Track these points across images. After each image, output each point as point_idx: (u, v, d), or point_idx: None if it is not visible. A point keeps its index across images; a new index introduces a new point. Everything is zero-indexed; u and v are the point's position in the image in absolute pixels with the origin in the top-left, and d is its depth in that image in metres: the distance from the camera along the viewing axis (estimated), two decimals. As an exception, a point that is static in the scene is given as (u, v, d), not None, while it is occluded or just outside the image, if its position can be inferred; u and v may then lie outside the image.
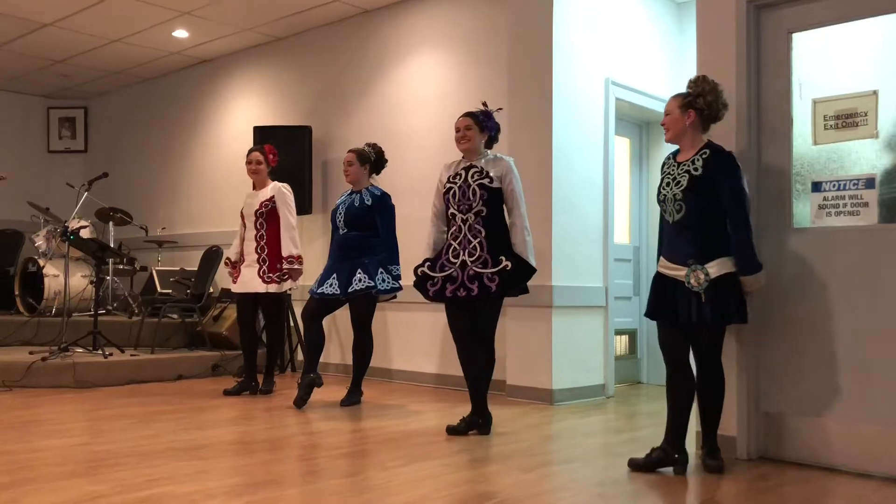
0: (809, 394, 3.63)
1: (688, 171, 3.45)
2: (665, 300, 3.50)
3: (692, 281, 3.39)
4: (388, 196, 5.22)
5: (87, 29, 7.53)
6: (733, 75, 3.85)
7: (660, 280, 3.57)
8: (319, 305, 5.12)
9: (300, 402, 5.03)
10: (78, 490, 3.00)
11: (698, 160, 3.46)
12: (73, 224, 7.28)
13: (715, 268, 3.39)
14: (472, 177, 4.25)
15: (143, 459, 3.54)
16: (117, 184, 8.84)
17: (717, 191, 3.41)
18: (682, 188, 3.44)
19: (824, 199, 3.65)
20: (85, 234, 7.37)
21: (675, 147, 3.63)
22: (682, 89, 3.62)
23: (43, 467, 3.40)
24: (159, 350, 6.80)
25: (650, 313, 3.61)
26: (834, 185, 3.63)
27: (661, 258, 3.60)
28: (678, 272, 3.45)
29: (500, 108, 4.73)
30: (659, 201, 3.59)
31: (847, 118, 3.59)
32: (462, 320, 4.25)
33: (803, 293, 3.67)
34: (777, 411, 3.74)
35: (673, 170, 3.54)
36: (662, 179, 3.58)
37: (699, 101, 3.49)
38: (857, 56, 3.66)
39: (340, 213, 5.18)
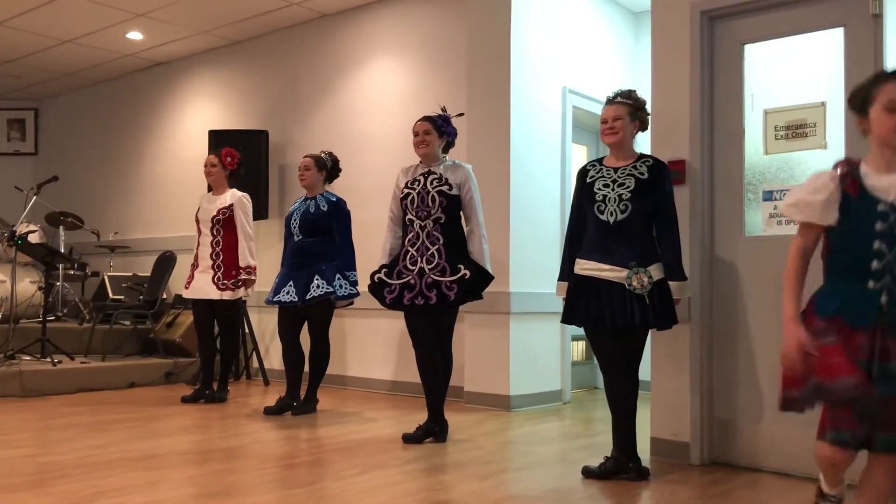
0: (761, 399, 3.69)
1: (632, 175, 3.50)
2: (596, 305, 3.46)
3: (635, 283, 3.39)
4: (344, 202, 5.21)
5: (38, 29, 7.37)
6: (687, 85, 3.91)
7: (586, 284, 3.51)
8: (292, 320, 5.10)
9: (268, 410, 5.07)
10: (24, 503, 2.91)
11: (642, 166, 3.52)
12: (21, 228, 7.10)
13: (656, 271, 3.43)
14: (431, 183, 4.24)
15: (92, 470, 3.46)
16: (68, 187, 8.66)
17: (656, 198, 3.47)
18: (628, 189, 3.47)
19: (775, 207, 3.73)
20: (33, 238, 7.18)
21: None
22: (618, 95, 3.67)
23: (-14, 480, 3.30)
24: (111, 357, 6.66)
25: (582, 321, 3.53)
26: (784, 195, 3.70)
27: (582, 260, 3.54)
28: (614, 273, 3.43)
29: (462, 114, 4.74)
30: (594, 202, 3.51)
31: (797, 129, 3.67)
32: (421, 327, 4.23)
33: (755, 301, 3.73)
34: (729, 417, 3.80)
35: (610, 173, 3.55)
36: (595, 182, 3.56)
37: (641, 114, 3.62)
38: (806, 68, 3.75)
39: (295, 220, 5.14)
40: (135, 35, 7.53)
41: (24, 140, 10.00)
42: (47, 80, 9.08)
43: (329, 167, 5.29)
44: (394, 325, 6.15)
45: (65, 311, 7.74)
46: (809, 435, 3.55)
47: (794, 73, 3.78)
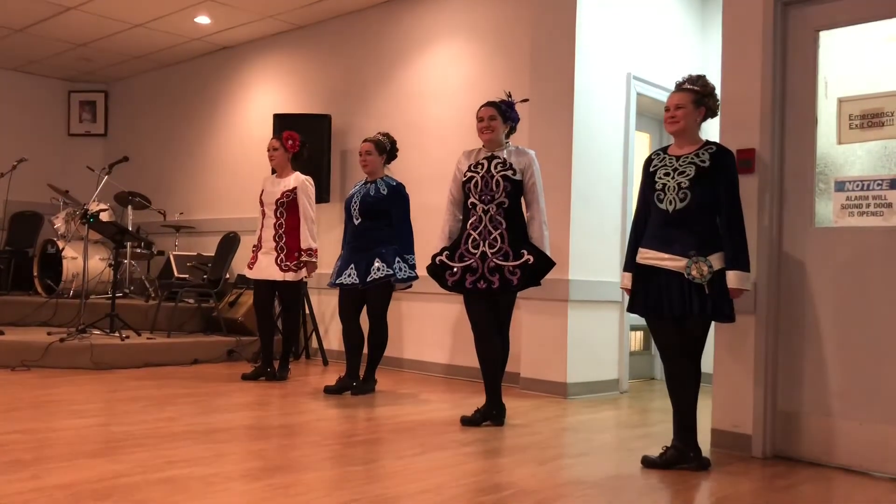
0: (826, 393, 3.62)
1: (693, 163, 3.45)
2: (655, 294, 3.46)
3: (694, 272, 3.35)
4: (403, 186, 5.25)
5: (109, 13, 7.57)
6: (759, 73, 3.83)
7: (647, 273, 3.51)
8: (352, 302, 5.17)
9: (328, 389, 5.16)
10: (98, 469, 3.03)
11: (704, 154, 3.47)
12: (93, 207, 7.33)
13: (717, 261, 3.39)
14: (496, 167, 4.24)
15: (161, 441, 3.57)
16: (136, 168, 8.88)
17: (718, 186, 3.42)
18: (688, 178, 3.43)
19: (847, 198, 3.64)
20: (104, 217, 7.41)
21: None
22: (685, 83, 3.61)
23: (63, 446, 3.44)
24: (175, 334, 6.85)
25: (644, 310, 3.53)
26: (857, 185, 3.61)
27: (644, 249, 3.53)
28: (674, 263, 3.41)
29: (527, 99, 4.71)
30: (654, 191, 3.51)
31: (873, 118, 3.57)
32: (481, 311, 4.25)
33: (822, 292, 3.66)
34: (793, 410, 3.73)
35: (671, 162, 3.52)
36: (657, 171, 3.54)
37: (708, 100, 3.55)
38: (884, 56, 3.63)
39: (355, 203, 5.19)
40: (202, 19, 7.68)
41: (95, 122, 10.30)
42: (117, 63, 9.32)
43: (388, 149, 5.33)
44: (450, 309, 6.19)
45: (132, 288, 7.99)
46: (879, 431, 3.50)
47: (870, 60, 3.67)
